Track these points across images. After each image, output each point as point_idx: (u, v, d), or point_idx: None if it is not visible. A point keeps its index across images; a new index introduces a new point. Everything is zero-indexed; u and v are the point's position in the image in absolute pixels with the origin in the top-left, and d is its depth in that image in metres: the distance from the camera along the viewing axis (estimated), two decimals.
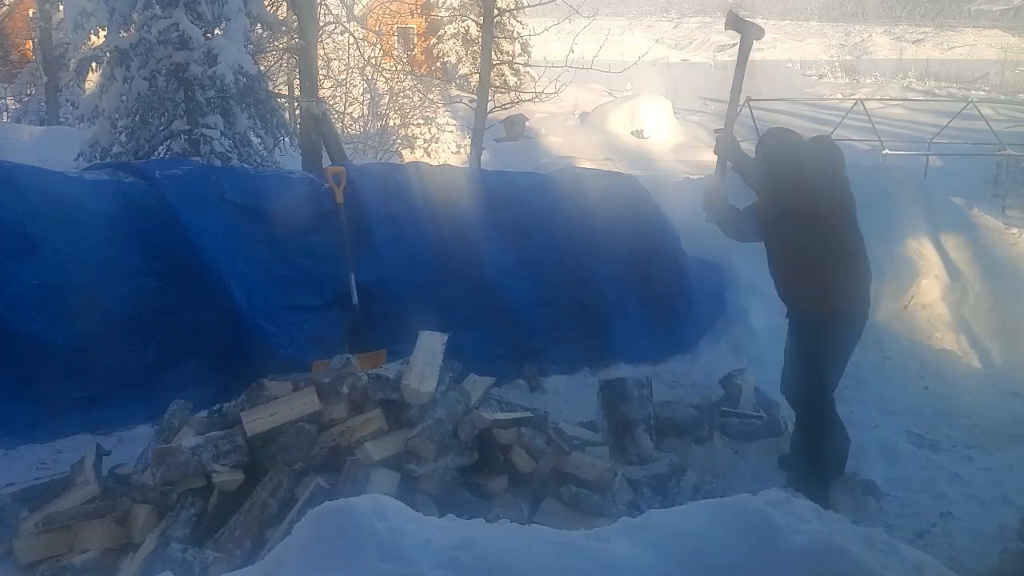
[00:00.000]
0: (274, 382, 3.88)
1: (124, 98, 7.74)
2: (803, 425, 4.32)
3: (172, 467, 3.39)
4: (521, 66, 24.21)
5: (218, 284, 4.81)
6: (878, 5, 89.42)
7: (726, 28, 4.59)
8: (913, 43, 65.38)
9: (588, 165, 13.74)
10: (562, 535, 2.26)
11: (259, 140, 8.37)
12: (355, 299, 5.16)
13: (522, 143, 20.55)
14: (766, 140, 4.36)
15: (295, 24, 8.55)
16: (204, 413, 4.24)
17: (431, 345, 4.08)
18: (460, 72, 28.97)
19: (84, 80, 8.67)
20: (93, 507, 3.49)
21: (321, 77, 11.32)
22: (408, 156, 16.97)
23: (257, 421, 3.57)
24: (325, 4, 12.54)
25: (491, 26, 10.54)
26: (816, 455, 4.22)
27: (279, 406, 3.66)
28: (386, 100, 18.36)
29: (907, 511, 4.20)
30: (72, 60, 10.04)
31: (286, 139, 8.91)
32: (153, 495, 3.43)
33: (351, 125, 17.09)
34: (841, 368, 4.30)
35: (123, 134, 7.96)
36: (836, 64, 46.51)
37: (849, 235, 4.19)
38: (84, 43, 8.19)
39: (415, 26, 30.76)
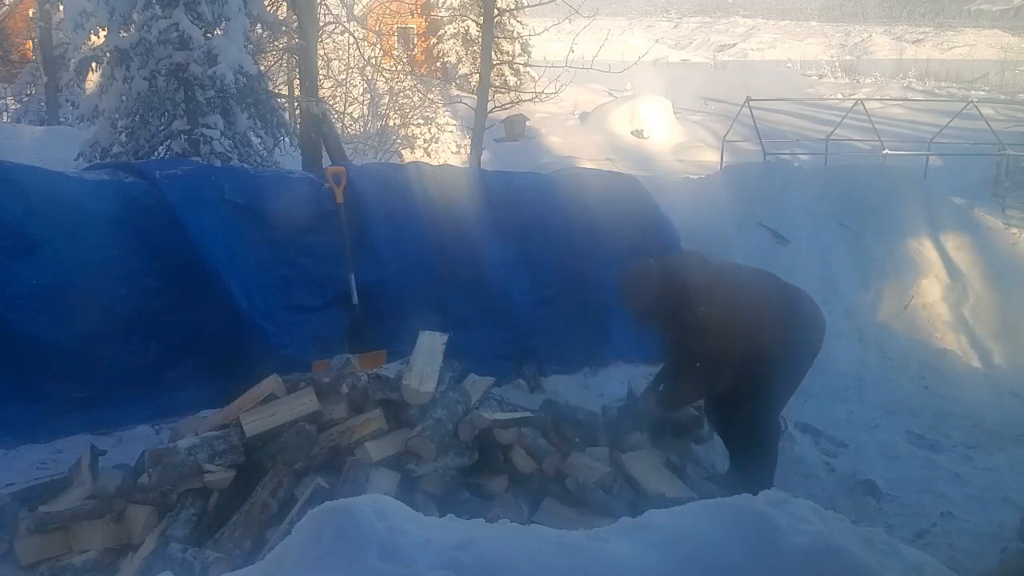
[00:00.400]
0: (272, 381, 3.87)
1: (124, 98, 7.73)
2: (758, 456, 4.09)
3: (168, 468, 3.38)
4: (521, 66, 24.21)
5: (218, 284, 4.81)
6: (878, 5, 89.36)
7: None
8: (913, 43, 65.32)
9: (588, 165, 13.76)
10: (562, 535, 2.26)
11: (259, 140, 8.36)
12: (355, 299, 5.17)
13: (522, 143, 20.57)
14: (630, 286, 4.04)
15: (295, 24, 8.55)
16: (205, 413, 4.25)
17: (431, 345, 4.08)
18: (460, 72, 28.98)
19: (84, 80, 8.67)
20: (91, 507, 3.49)
21: (321, 77, 11.32)
22: (408, 156, 16.98)
23: (256, 422, 3.57)
24: (325, 4, 12.53)
25: (491, 26, 10.53)
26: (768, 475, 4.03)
27: (279, 406, 3.66)
28: (386, 100, 18.37)
29: (907, 511, 4.20)
30: (72, 60, 10.03)
31: (286, 139, 8.91)
32: (153, 495, 3.43)
33: (351, 125, 17.10)
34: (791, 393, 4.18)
35: (123, 134, 7.96)
36: (836, 64, 46.43)
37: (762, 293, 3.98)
38: (84, 43, 8.19)
39: (415, 26, 30.76)
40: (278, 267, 5.09)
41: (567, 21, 11.17)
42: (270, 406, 3.67)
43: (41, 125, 15.67)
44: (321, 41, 11.96)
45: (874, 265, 6.83)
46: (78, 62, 8.01)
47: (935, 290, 6.69)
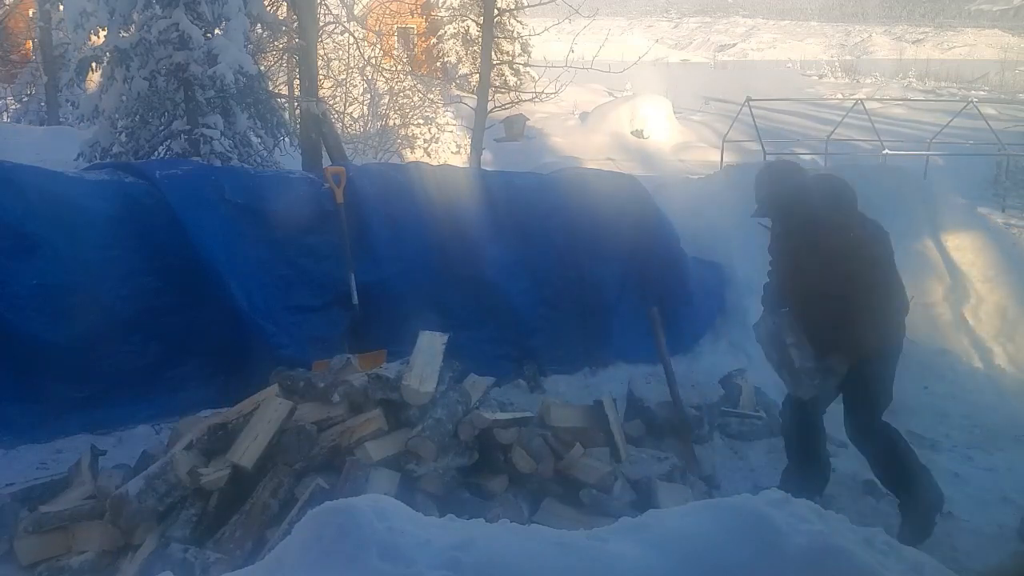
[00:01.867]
0: (268, 391, 3.85)
1: (124, 98, 7.73)
2: (895, 456, 4.04)
3: (128, 517, 3.32)
4: (521, 66, 24.20)
5: (218, 284, 4.81)
6: (878, 5, 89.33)
7: None
8: (913, 43, 65.29)
9: (589, 165, 13.76)
10: (562, 535, 2.26)
11: (259, 140, 8.36)
12: (355, 299, 5.17)
13: (523, 143, 20.57)
14: (771, 183, 4.10)
15: (295, 24, 8.55)
16: (205, 413, 4.24)
17: (431, 345, 4.08)
18: (460, 72, 28.95)
19: (84, 80, 8.68)
20: (91, 507, 3.49)
21: (321, 77, 11.32)
22: (408, 156, 16.97)
23: (246, 453, 3.49)
24: (325, 4, 12.54)
25: (491, 26, 10.54)
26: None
27: (256, 425, 3.58)
28: (386, 100, 18.36)
29: None
30: (72, 60, 10.04)
31: (286, 139, 8.91)
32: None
33: (351, 125, 17.08)
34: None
35: (123, 134, 7.96)
36: (836, 64, 46.42)
37: (888, 269, 4.13)
38: (84, 43, 8.19)
39: (415, 26, 30.75)
40: (278, 267, 5.09)
41: (567, 21, 11.17)
42: (249, 429, 3.59)
43: (41, 125, 15.68)
44: (321, 41, 11.96)
45: None
46: (78, 62, 8.01)
47: (936, 290, 6.68)
